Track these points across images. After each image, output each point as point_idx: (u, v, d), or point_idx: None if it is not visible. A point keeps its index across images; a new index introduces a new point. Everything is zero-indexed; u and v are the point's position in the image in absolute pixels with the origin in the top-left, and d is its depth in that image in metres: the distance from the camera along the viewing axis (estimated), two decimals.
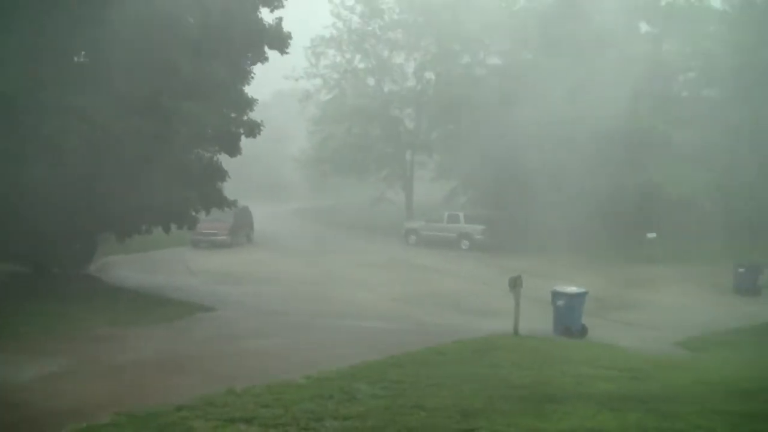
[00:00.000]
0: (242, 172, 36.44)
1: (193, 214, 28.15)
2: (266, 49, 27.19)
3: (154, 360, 16.54)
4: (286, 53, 27.75)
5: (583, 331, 22.42)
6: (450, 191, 56.99)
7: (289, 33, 27.11)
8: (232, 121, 27.77)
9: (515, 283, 21.65)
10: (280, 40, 26.92)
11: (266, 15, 27.12)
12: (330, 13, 58.33)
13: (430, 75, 58.13)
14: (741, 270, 31.27)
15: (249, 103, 27.95)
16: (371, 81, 60.61)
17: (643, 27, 49.18)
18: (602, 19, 46.21)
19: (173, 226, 27.98)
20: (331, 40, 58.94)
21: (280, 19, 27.08)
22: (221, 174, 28.05)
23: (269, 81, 48.55)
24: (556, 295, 22.78)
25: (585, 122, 43.58)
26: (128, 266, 34.43)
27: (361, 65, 60.10)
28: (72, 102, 20.88)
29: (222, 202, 28.35)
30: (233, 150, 27.92)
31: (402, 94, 59.85)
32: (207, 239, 42.71)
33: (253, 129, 28.01)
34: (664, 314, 27.02)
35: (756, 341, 21.89)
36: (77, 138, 20.40)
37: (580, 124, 43.81)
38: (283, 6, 27.22)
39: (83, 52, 24.20)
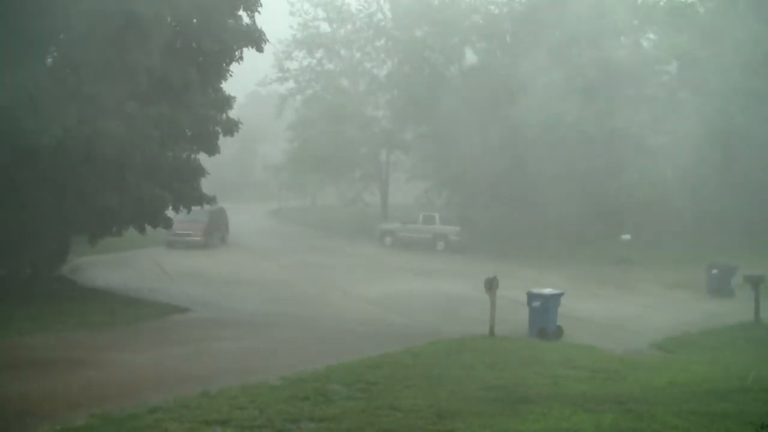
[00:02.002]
0: (217, 174, 36.27)
1: (170, 213, 27.97)
2: (242, 48, 27.04)
3: (127, 361, 16.42)
4: (262, 50, 27.64)
5: (558, 333, 22.50)
6: (423, 192, 56.89)
7: (263, 31, 27.03)
8: (209, 119, 27.61)
9: (491, 285, 21.68)
10: (255, 38, 26.81)
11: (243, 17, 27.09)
12: (290, 13, 58.71)
13: (402, 74, 58.09)
14: (714, 271, 31.47)
15: (227, 101, 27.86)
16: (345, 82, 60.57)
17: (620, 28, 49.33)
18: (578, 21, 46.49)
19: (148, 227, 27.78)
20: (299, 42, 58.93)
21: (254, 17, 26.99)
22: (200, 171, 27.92)
23: (243, 83, 48.51)
24: (531, 296, 22.84)
25: (561, 124, 43.75)
26: (102, 267, 34.19)
27: (332, 66, 60.13)
28: (43, 103, 20.68)
29: (201, 200, 28.20)
30: (211, 149, 27.85)
31: (376, 94, 59.92)
32: (181, 240, 42.46)
33: (231, 128, 27.93)
34: (638, 315, 27.14)
35: (730, 342, 22.03)
36: (50, 139, 20.19)
37: (555, 126, 43.97)
38: (258, 11, 27.16)
39: (54, 52, 23.98)
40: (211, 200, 28.88)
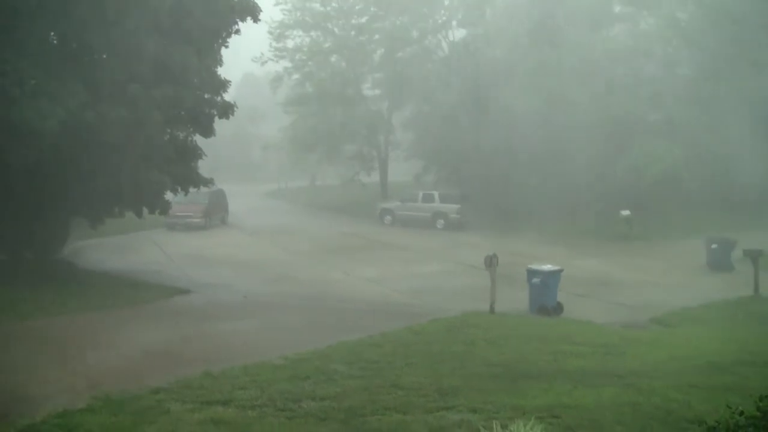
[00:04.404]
0: (215, 154, 36.18)
1: (168, 197, 27.98)
2: (238, 22, 26.93)
3: (129, 343, 16.47)
4: (258, 19, 27.48)
5: (558, 309, 22.54)
6: (420, 170, 56.69)
7: (257, 3, 26.89)
8: (205, 102, 27.57)
9: (491, 262, 21.70)
10: (249, 11, 26.67)
11: None
12: None
13: (398, 54, 57.96)
14: (714, 246, 31.45)
15: (222, 84, 27.76)
16: (342, 63, 60.32)
17: (618, 7, 49.17)
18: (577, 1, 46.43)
19: (147, 210, 27.82)
20: (293, 21, 58.55)
21: None
22: (197, 153, 27.92)
23: (240, 63, 48.39)
24: (531, 273, 22.85)
25: (559, 103, 43.71)
26: (102, 250, 34.19)
27: (327, 44, 59.83)
28: (45, 86, 20.63)
29: (198, 182, 28.20)
30: (207, 131, 27.82)
31: (372, 74, 59.79)
32: (182, 222, 42.44)
33: (227, 110, 27.86)
34: (638, 291, 27.17)
35: (729, 316, 22.06)
36: (52, 122, 20.15)
37: (554, 106, 43.94)
38: None
39: (53, 35, 23.88)
40: (208, 182, 28.89)
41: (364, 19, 58.23)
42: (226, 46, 28.01)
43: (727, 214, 39.45)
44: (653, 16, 48.08)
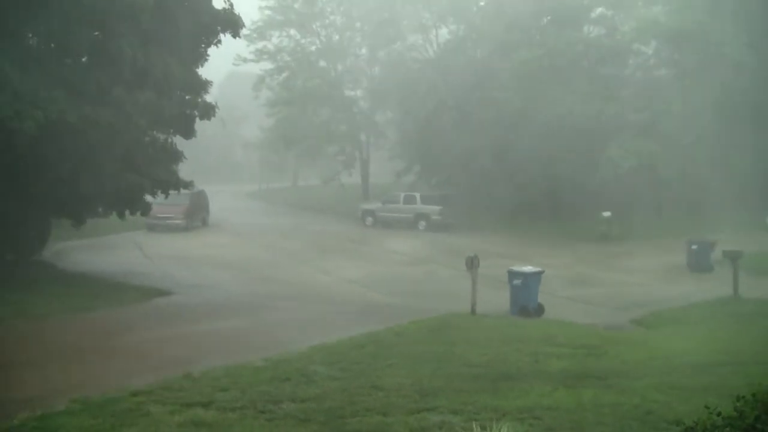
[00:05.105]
0: (196, 155, 36.04)
1: (148, 198, 27.88)
2: (219, 32, 26.83)
3: (109, 345, 16.41)
4: (238, 34, 27.49)
5: (539, 310, 22.59)
6: (401, 171, 56.59)
7: (240, 16, 26.83)
8: (186, 103, 27.48)
9: (472, 263, 21.73)
10: (232, 24, 26.61)
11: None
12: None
13: (380, 55, 58.07)
14: (694, 247, 31.61)
15: (203, 86, 27.65)
16: (322, 63, 60.29)
17: (598, 11, 49.40)
18: (557, 3, 46.64)
19: (127, 212, 27.72)
20: (274, 22, 58.44)
21: (232, 4, 26.75)
22: (177, 156, 27.82)
23: (224, 62, 48.22)
24: (512, 274, 22.92)
25: (538, 103, 43.87)
26: (83, 251, 34.04)
27: (312, 48, 59.78)
28: (24, 87, 20.50)
29: (178, 184, 28.10)
30: (188, 132, 27.76)
31: (354, 75, 59.86)
32: (162, 223, 42.26)
33: (208, 111, 27.79)
34: (619, 292, 27.32)
35: (709, 317, 22.17)
36: (30, 123, 20.01)
37: (532, 106, 44.10)
38: None
39: (33, 37, 23.73)
40: (188, 185, 28.80)
41: (345, 19, 58.34)
42: (208, 56, 27.95)
43: (709, 215, 39.64)
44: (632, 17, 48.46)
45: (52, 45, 23.28)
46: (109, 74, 22.65)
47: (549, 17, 47.56)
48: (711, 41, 42.01)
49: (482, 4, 53.74)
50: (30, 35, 23.56)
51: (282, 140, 58.54)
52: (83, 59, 23.50)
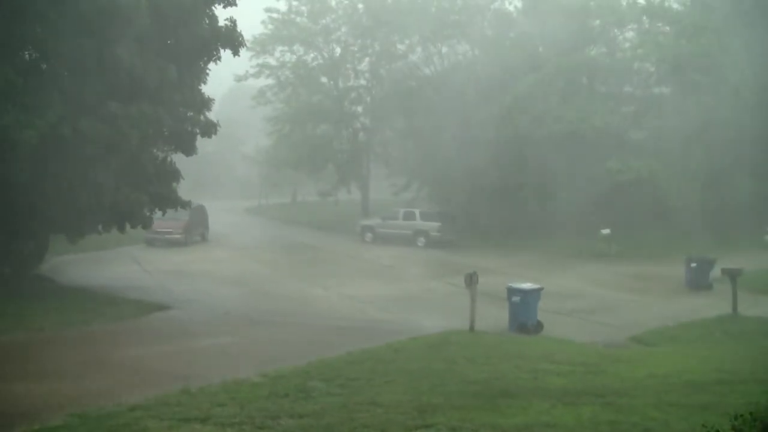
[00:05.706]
0: (197, 170, 36.10)
1: (147, 213, 27.83)
2: (220, 48, 26.84)
3: (107, 360, 16.35)
4: (238, 53, 27.51)
5: (538, 327, 22.56)
6: (400, 187, 56.62)
7: (242, 33, 26.88)
8: (187, 120, 27.47)
9: (471, 280, 21.70)
10: (233, 41, 26.64)
11: (219, 12, 26.88)
12: (265, 10, 58.34)
13: (381, 72, 58.21)
14: (693, 265, 31.60)
15: (205, 103, 27.62)
16: (324, 79, 60.41)
17: (599, 29, 49.54)
18: (557, 21, 46.74)
19: (127, 226, 27.65)
20: (277, 37, 58.56)
21: (234, 21, 26.77)
22: (175, 174, 27.76)
23: (225, 78, 48.32)
24: (511, 291, 22.90)
25: (541, 121, 43.94)
26: (81, 266, 34.02)
27: (313, 63, 59.89)
28: (24, 98, 20.51)
29: (176, 203, 28.04)
30: (189, 149, 27.70)
31: (357, 91, 59.96)
32: (162, 238, 42.29)
33: (209, 129, 27.75)
34: (618, 309, 27.27)
35: (707, 335, 22.17)
36: (31, 133, 20.00)
37: (535, 123, 44.17)
38: (236, 4, 26.95)
39: (30, 48, 23.73)
40: (186, 204, 28.75)
41: (348, 36, 58.51)
42: (209, 71, 27.97)
43: (708, 233, 39.64)
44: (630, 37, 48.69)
45: (47, 53, 23.19)
46: (103, 84, 22.60)
47: (552, 40, 47.65)
48: (713, 65, 42.22)
49: (486, 23, 53.78)
50: (28, 47, 23.56)
51: (282, 157, 58.62)
52: (77, 68, 23.45)
